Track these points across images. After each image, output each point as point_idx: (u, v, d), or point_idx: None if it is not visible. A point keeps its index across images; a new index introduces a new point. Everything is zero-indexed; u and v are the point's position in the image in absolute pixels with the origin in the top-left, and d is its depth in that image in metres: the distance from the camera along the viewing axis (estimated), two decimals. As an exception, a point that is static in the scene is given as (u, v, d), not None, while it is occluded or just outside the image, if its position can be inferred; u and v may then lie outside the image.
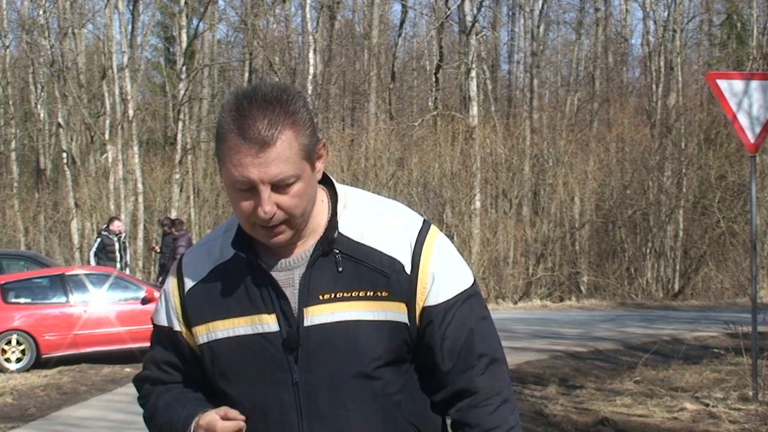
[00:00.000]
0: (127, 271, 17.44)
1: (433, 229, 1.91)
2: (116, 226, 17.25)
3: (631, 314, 18.38)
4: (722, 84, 8.49)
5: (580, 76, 34.48)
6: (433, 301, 1.84)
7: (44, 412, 9.43)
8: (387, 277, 1.82)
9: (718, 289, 23.91)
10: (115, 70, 28.69)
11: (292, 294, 1.84)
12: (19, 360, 12.47)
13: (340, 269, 1.83)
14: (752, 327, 8.57)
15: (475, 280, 1.94)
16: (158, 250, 17.90)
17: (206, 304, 1.89)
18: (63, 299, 13.04)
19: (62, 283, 13.12)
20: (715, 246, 25.51)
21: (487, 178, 25.82)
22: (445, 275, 1.86)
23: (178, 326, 1.94)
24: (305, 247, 1.87)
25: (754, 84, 8.49)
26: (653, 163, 26.78)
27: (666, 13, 31.52)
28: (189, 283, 1.92)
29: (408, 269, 1.84)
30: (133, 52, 30.87)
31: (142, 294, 13.35)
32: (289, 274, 1.86)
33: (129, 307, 13.25)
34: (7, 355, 12.45)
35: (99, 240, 17.32)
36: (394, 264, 1.84)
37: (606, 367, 11.04)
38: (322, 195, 1.91)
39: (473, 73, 27.66)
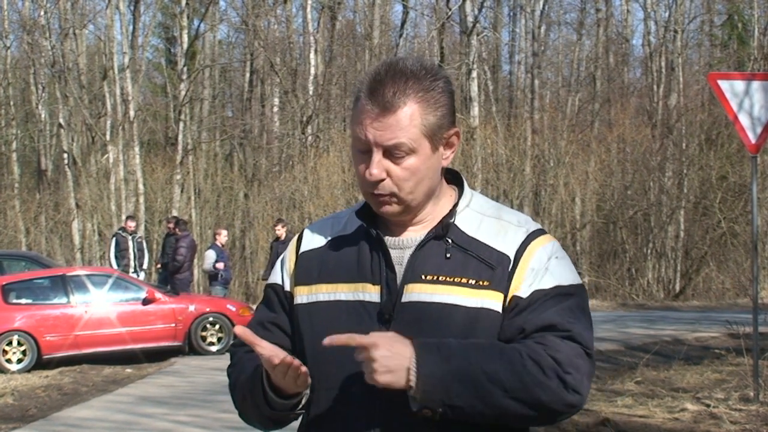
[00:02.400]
0: (142, 274, 17.49)
1: (547, 236, 1.93)
2: (129, 224, 17.76)
3: (632, 315, 18.38)
4: (723, 84, 8.49)
5: (581, 76, 34.48)
6: (523, 292, 1.84)
7: (45, 412, 9.43)
8: (492, 269, 1.85)
9: (719, 290, 23.89)
10: (116, 71, 28.70)
11: (399, 272, 1.88)
12: (20, 361, 12.47)
13: (448, 255, 1.86)
14: (753, 327, 8.56)
15: (579, 286, 1.91)
16: (160, 266, 17.96)
17: (316, 267, 1.94)
18: (64, 300, 13.04)
19: (63, 284, 13.13)
20: (716, 246, 25.50)
21: (488, 179, 25.81)
22: (542, 271, 1.86)
23: (288, 286, 1.99)
24: (422, 232, 1.91)
25: (756, 84, 8.48)
26: (654, 163, 26.77)
27: (667, 14, 31.53)
28: (305, 247, 1.99)
29: (511, 264, 1.86)
30: (134, 53, 30.88)
31: (142, 295, 13.36)
32: (400, 253, 1.90)
33: (130, 308, 13.27)
34: (8, 356, 12.46)
35: (114, 239, 17.60)
36: (502, 259, 1.86)
37: (607, 368, 11.03)
38: (451, 192, 1.97)
39: (474, 74, 27.65)
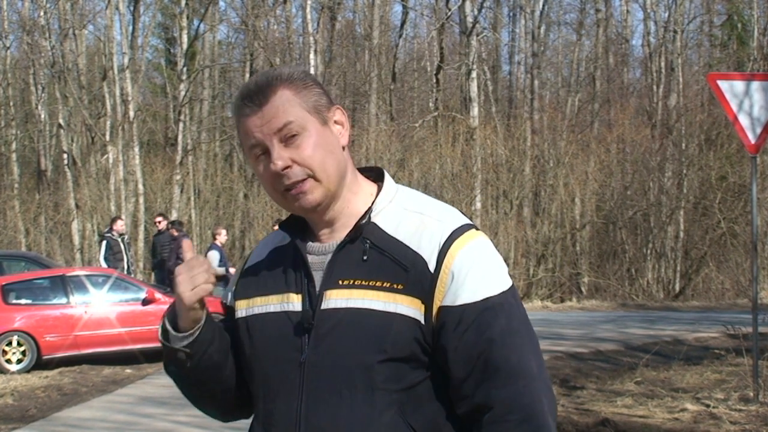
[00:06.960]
0: (140, 275, 17.34)
1: (471, 233, 1.84)
2: (119, 226, 17.21)
3: (631, 315, 18.39)
4: (723, 85, 8.50)
5: (581, 77, 34.50)
6: (449, 301, 1.78)
7: (45, 413, 9.43)
8: (406, 271, 1.80)
9: (718, 290, 23.90)
10: (116, 71, 28.70)
11: (320, 277, 1.87)
12: (19, 361, 12.47)
13: (365, 258, 1.83)
14: (753, 328, 8.58)
15: (510, 290, 1.85)
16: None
17: (254, 281, 1.98)
18: (64, 300, 13.03)
19: (63, 284, 13.12)
20: (715, 247, 25.51)
21: (487, 179, 25.82)
22: (467, 277, 1.79)
23: (231, 301, 2.03)
24: (343, 232, 1.89)
25: (755, 85, 8.50)
26: (654, 163, 26.78)
27: (667, 14, 31.57)
28: (250, 262, 2.03)
29: (432, 267, 1.80)
30: (133, 53, 30.89)
31: (142, 295, 13.35)
32: (323, 258, 1.89)
33: (129, 308, 13.25)
34: (7, 356, 12.45)
35: (105, 242, 17.12)
36: (417, 259, 1.81)
37: (607, 368, 11.04)
38: (372, 189, 1.94)
39: (474, 74, 27.66)
